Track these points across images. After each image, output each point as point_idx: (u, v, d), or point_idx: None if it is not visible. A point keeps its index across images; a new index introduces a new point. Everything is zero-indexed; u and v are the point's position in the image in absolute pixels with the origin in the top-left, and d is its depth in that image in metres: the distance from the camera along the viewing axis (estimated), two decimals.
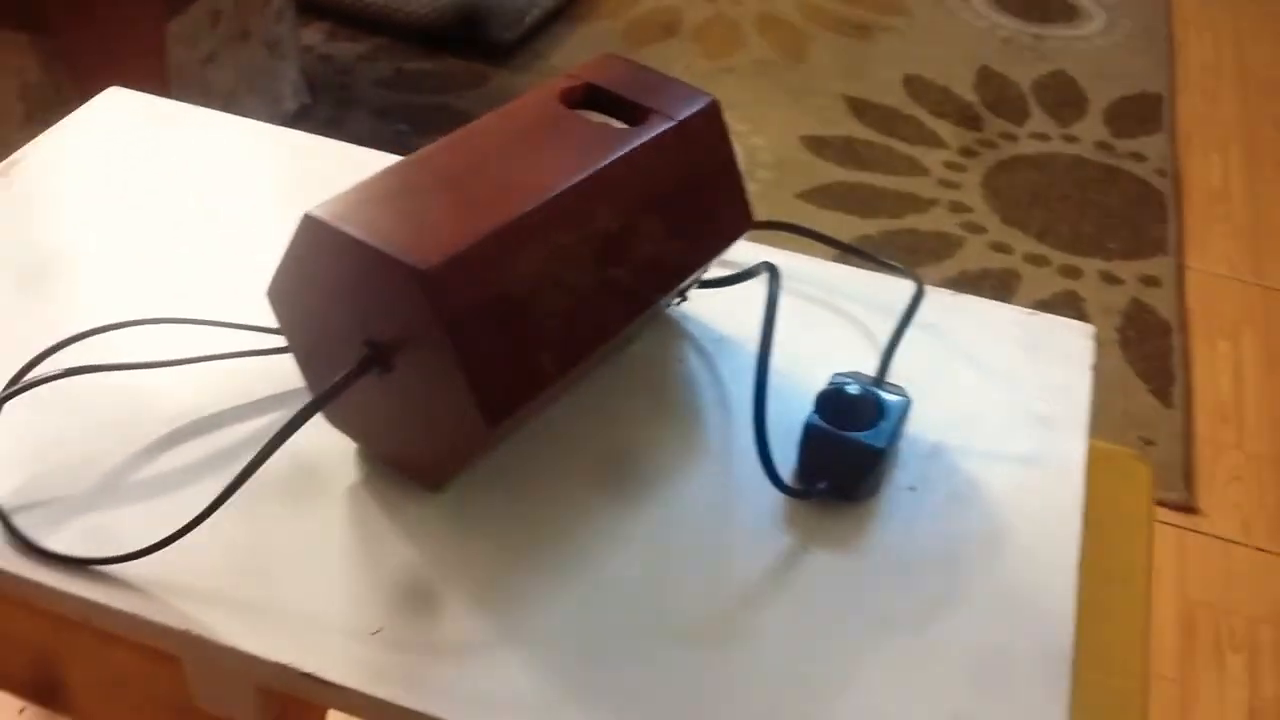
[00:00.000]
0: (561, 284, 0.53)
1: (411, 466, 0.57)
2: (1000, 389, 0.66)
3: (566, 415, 0.62)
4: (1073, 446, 0.63)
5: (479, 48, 1.99)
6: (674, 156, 0.59)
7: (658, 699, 0.50)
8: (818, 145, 1.91)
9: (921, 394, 0.65)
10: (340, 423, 0.58)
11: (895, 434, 0.60)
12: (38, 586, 0.53)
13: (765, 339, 0.54)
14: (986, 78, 2.11)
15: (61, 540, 0.54)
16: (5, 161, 0.77)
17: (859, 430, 0.59)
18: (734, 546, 0.57)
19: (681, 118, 0.60)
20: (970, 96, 2.06)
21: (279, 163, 0.79)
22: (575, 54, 2.05)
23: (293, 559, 0.54)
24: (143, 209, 0.74)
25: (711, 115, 0.61)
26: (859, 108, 2.01)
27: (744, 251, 0.75)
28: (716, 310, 0.70)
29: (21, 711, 0.97)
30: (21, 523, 0.55)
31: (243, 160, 0.79)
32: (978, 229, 1.78)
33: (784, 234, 0.77)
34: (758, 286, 0.72)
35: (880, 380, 0.63)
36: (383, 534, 0.56)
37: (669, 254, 0.59)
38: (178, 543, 0.54)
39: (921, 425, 0.64)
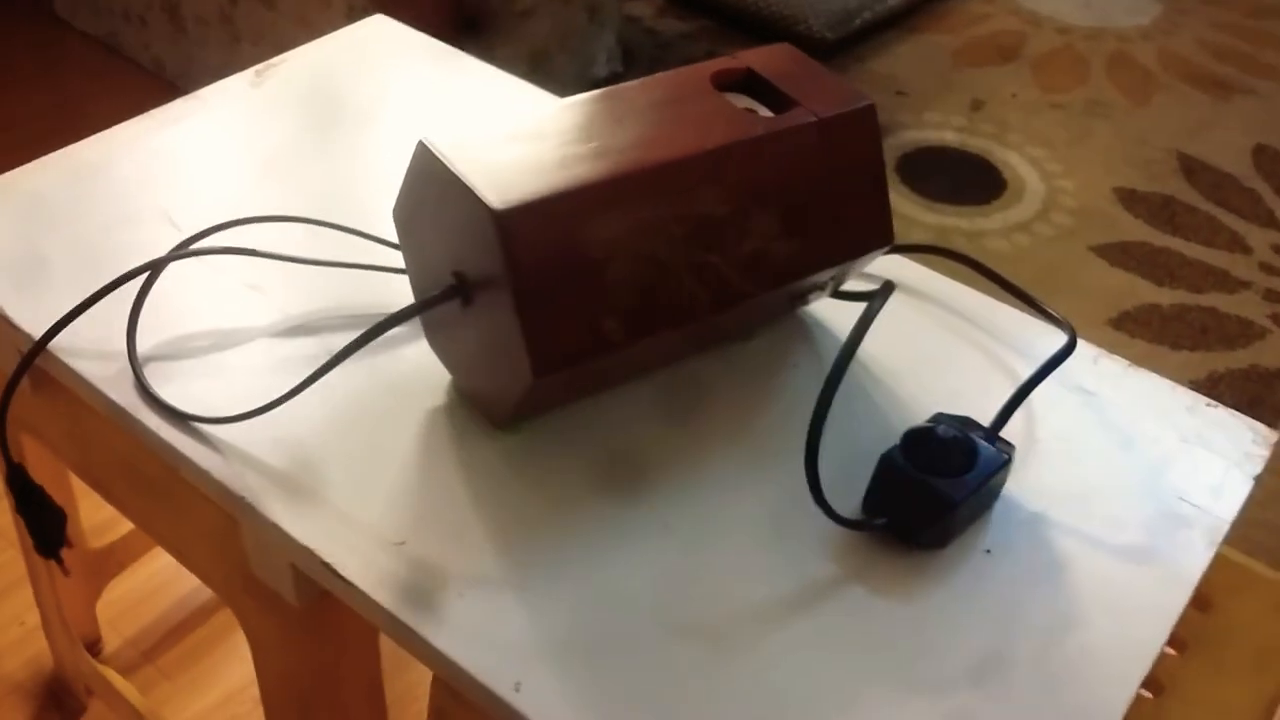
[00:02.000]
0: (644, 255, 0.53)
1: (481, 402, 0.59)
2: (1136, 472, 0.60)
3: (655, 391, 0.62)
4: (1197, 555, 0.56)
5: (800, 43, 1.99)
6: (808, 154, 0.57)
7: (644, 686, 0.49)
8: (1130, 199, 1.77)
9: (1041, 457, 0.60)
10: (438, 349, 0.61)
11: (981, 489, 0.55)
12: (145, 429, 0.59)
13: (842, 357, 0.51)
14: None
15: (173, 394, 0.60)
16: (264, 64, 0.86)
17: (941, 475, 0.55)
18: (772, 561, 0.55)
19: (826, 116, 0.58)
20: None
21: (507, 112, 0.83)
22: (898, 64, 2.00)
23: (353, 459, 0.57)
24: (360, 128, 0.80)
25: (862, 120, 0.59)
26: (1192, 168, 1.84)
27: (906, 271, 0.72)
28: (849, 324, 0.67)
29: None
30: (149, 371, 0.61)
31: (471, 102, 0.83)
32: None
33: (960, 264, 0.73)
34: (906, 306, 0.69)
35: (991, 431, 0.59)
36: (441, 459, 0.58)
37: (781, 252, 0.57)
38: (262, 419, 0.58)
39: (1028, 490, 0.59)
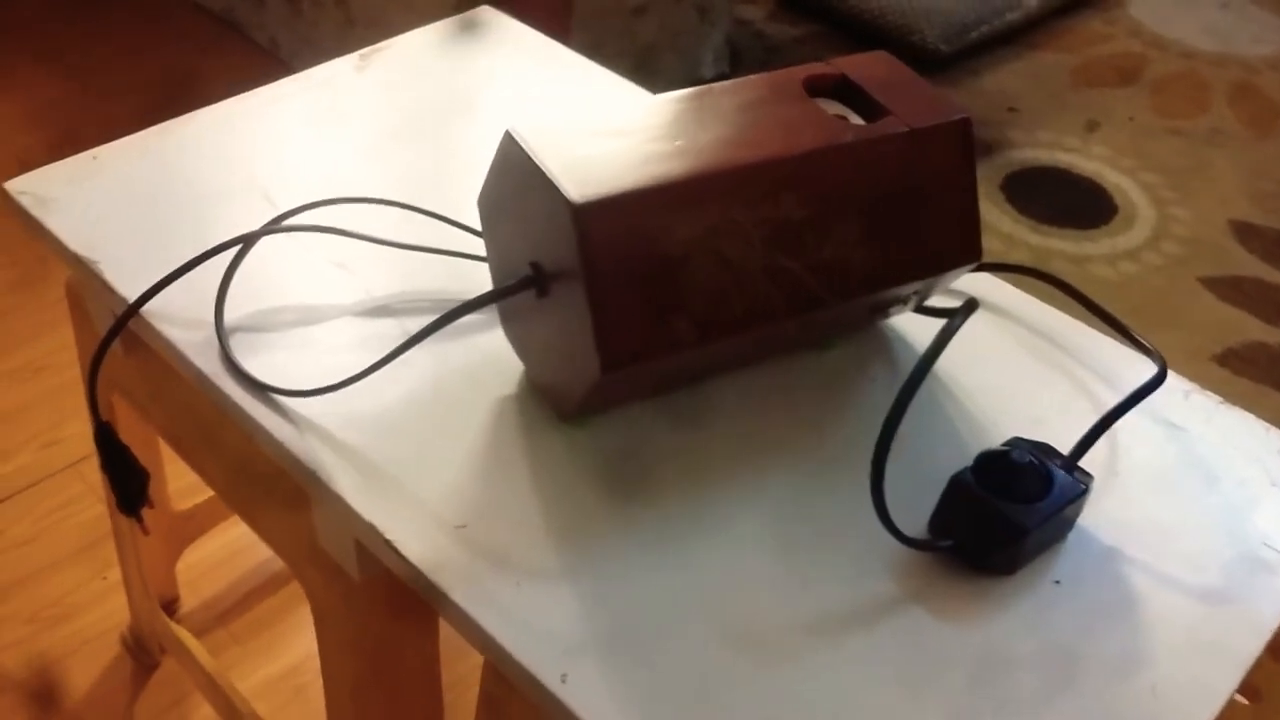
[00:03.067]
0: (720, 257, 0.53)
1: (550, 394, 0.59)
2: (1219, 513, 0.58)
3: (727, 395, 0.61)
4: (1276, 602, 0.54)
5: (912, 53, 1.96)
6: (897, 164, 0.56)
7: (687, 688, 0.49)
8: (1245, 233, 1.71)
9: (1122, 490, 0.58)
10: (512, 339, 0.61)
11: (1054, 518, 0.54)
12: (225, 397, 0.60)
13: (917, 373, 0.50)
14: None
15: (255, 365, 0.61)
16: (370, 48, 0.87)
17: (1013, 500, 0.54)
18: (829, 574, 0.54)
19: (918, 126, 0.56)
20: None
21: (600, 107, 0.84)
22: (1013, 80, 1.96)
23: (422, 441, 0.58)
24: (457, 116, 0.81)
25: (956, 133, 0.57)
26: None
27: (998, 291, 0.70)
28: (931, 329, 0.66)
29: None
30: (234, 341, 0.63)
31: (569, 97, 0.84)
32: None
33: (1053, 287, 0.71)
34: (994, 327, 0.67)
35: (1070, 460, 0.57)
36: (508, 448, 0.58)
37: (861, 262, 0.56)
38: (337, 395, 0.59)
39: (1105, 522, 0.57)
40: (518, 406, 0.60)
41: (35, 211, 0.71)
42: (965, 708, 0.49)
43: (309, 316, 0.65)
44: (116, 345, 0.73)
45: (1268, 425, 0.63)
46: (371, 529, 0.54)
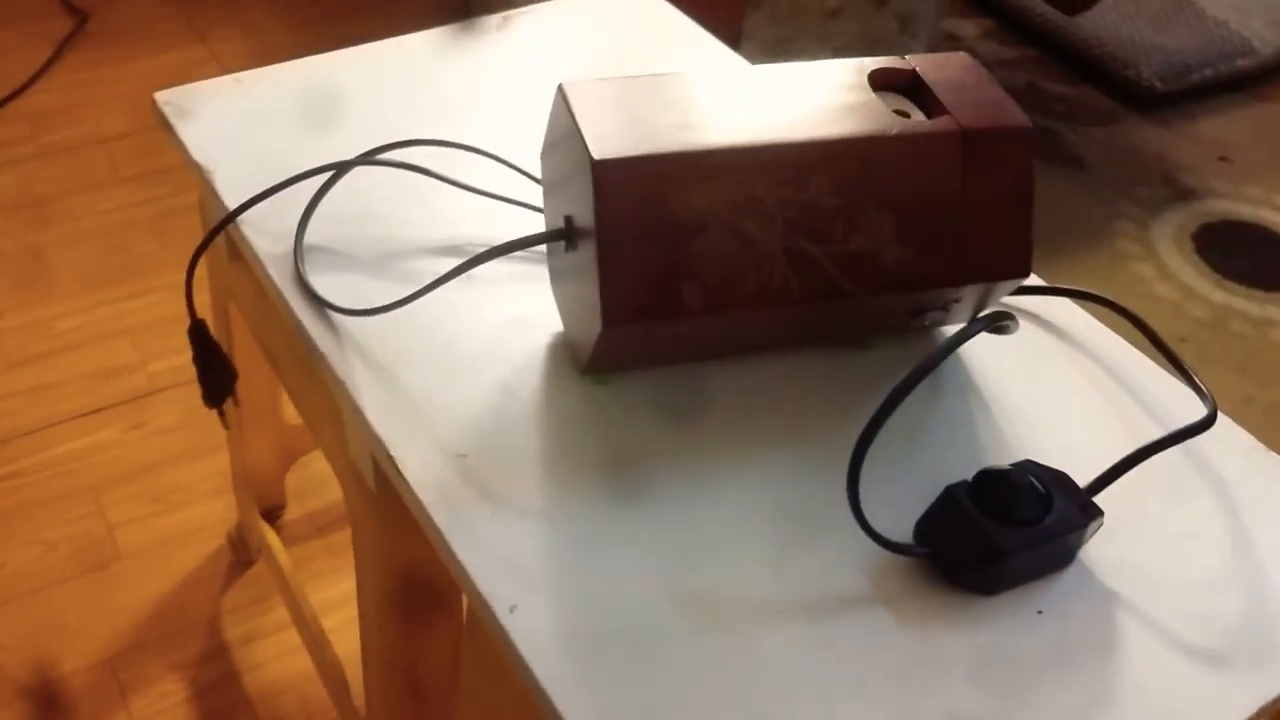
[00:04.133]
0: (738, 231, 0.53)
1: (572, 347, 0.60)
2: (1243, 575, 0.54)
3: (751, 376, 0.62)
4: (1277, 679, 0.51)
5: (1125, 88, 1.87)
6: (945, 165, 0.55)
7: (629, 640, 0.50)
8: None
9: (1142, 533, 0.56)
10: (555, 292, 0.63)
11: (1046, 546, 0.52)
12: (288, 306, 0.65)
13: (912, 375, 0.50)
14: None
15: (321, 281, 0.66)
16: (515, 10, 0.91)
17: (1003, 522, 0.52)
18: (803, 563, 0.53)
19: (971, 128, 0.55)
20: None
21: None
22: (1231, 129, 1.84)
23: (448, 372, 0.61)
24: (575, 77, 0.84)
25: (1014, 140, 0.56)
26: None
27: (1067, 314, 0.68)
28: (988, 355, 0.64)
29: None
30: (310, 258, 0.67)
31: (682, 67, 0.85)
32: None
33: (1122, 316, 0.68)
34: (1051, 349, 0.65)
35: (1085, 492, 0.55)
36: (526, 391, 0.60)
37: (893, 258, 0.55)
38: (384, 320, 0.63)
39: (1113, 562, 0.54)
40: (547, 355, 0.62)
41: (173, 120, 0.77)
42: (891, 715, 0.48)
43: (383, 246, 0.68)
44: (224, 254, 0.80)
45: None
46: (381, 444, 0.58)
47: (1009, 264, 0.57)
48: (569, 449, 0.58)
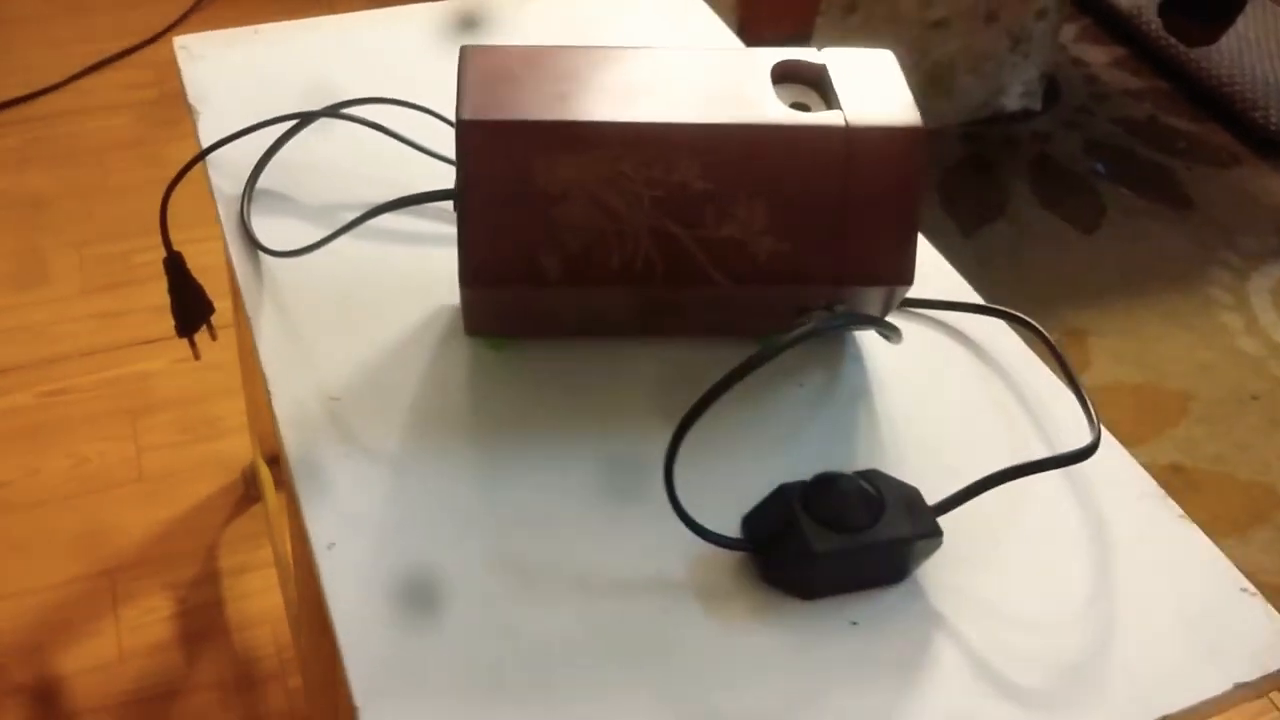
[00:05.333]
0: (602, 205, 0.53)
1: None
2: (1092, 621, 0.52)
3: (641, 361, 0.61)
4: None
5: (1250, 129, 1.77)
6: (827, 160, 0.54)
7: (436, 590, 0.51)
8: None
9: (992, 560, 0.54)
10: None
11: (868, 556, 0.51)
12: (229, 243, 0.68)
13: (733, 373, 0.49)
14: None
15: (263, 223, 0.68)
16: None
17: (828, 526, 0.51)
18: (626, 539, 0.53)
19: (857, 124, 0.54)
20: None
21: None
22: None
23: (349, 320, 0.63)
24: None
25: (903, 141, 0.54)
26: None
27: (998, 338, 0.65)
28: (895, 366, 0.63)
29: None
30: (260, 202, 0.70)
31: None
32: None
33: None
34: (964, 368, 0.63)
35: (932, 510, 0.53)
36: (416, 347, 0.61)
37: (764, 250, 0.55)
38: (303, 265, 0.65)
39: (950, 587, 0.52)
40: (451, 317, 0.64)
41: (183, 63, 0.82)
42: (666, 702, 0.47)
43: (334, 197, 0.71)
44: None
45: (1219, 555, 0.55)
46: (264, 380, 0.60)
47: (889, 269, 0.56)
48: (440, 406, 0.59)
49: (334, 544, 0.52)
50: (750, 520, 0.53)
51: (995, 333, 0.65)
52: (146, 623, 1.02)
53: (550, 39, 0.86)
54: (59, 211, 1.48)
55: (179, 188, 0.70)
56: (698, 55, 0.58)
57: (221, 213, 0.69)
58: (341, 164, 0.73)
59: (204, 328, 0.82)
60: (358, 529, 0.53)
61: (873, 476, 0.53)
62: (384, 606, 0.50)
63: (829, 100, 0.57)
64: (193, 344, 0.82)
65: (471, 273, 0.54)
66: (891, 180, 0.54)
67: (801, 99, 0.57)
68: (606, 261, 0.54)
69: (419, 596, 0.51)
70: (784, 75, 0.58)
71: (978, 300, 0.67)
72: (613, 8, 0.90)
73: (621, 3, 0.91)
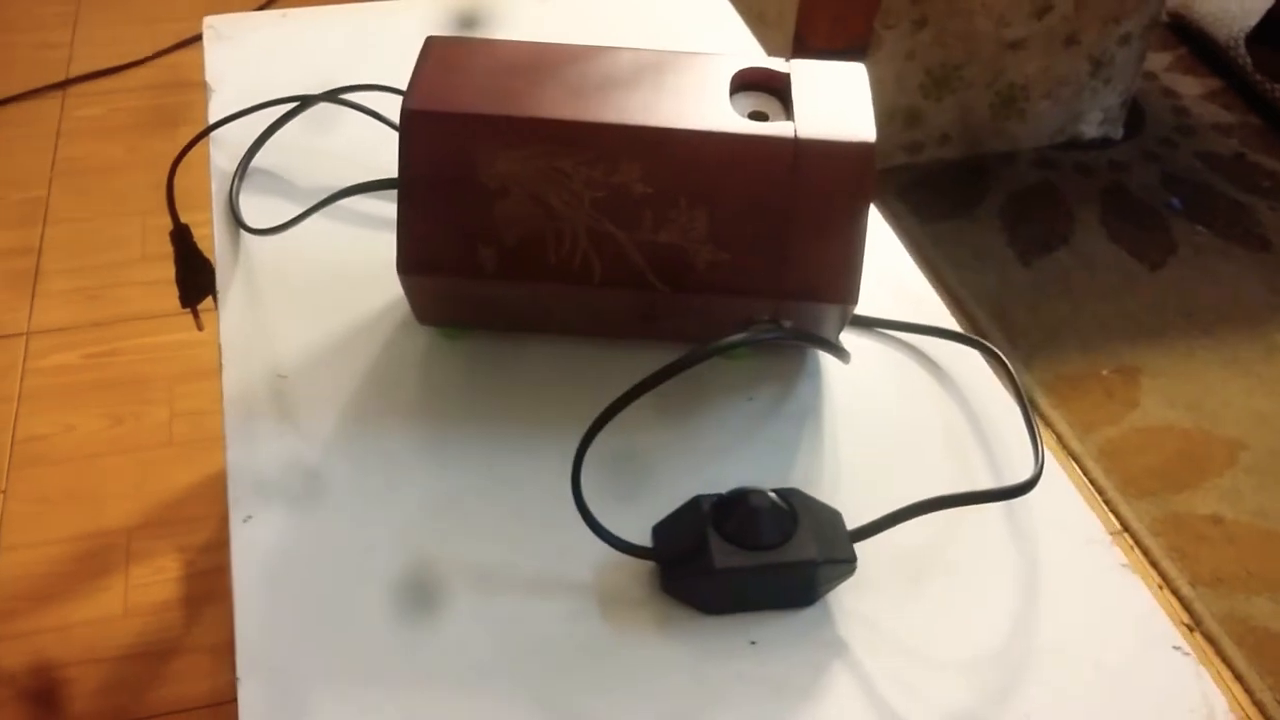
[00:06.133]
0: (541, 202, 0.53)
1: None
2: (1002, 664, 0.50)
3: (591, 362, 0.61)
4: None
5: None
6: (773, 171, 0.53)
7: (327, 569, 0.51)
8: None
9: (910, 591, 0.52)
10: None
11: (774, 577, 0.49)
12: (217, 220, 0.70)
13: (637, 387, 0.48)
14: None
15: (251, 201, 0.70)
16: None
17: (734, 542, 0.50)
18: (539, 541, 0.53)
19: (804, 137, 0.53)
20: None
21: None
22: None
23: (315, 302, 0.64)
24: None
25: (852, 156, 0.53)
26: None
27: (959, 360, 0.64)
28: (854, 387, 0.61)
29: None
30: (252, 180, 0.72)
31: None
32: None
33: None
34: (923, 389, 0.61)
35: (848, 536, 0.51)
36: (371, 332, 0.62)
37: (704, 258, 0.54)
38: (280, 243, 0.67)
39: (860, 615, 0.51)
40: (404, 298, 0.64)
41: (208, 42, 0.84)
42: (540, 702, 0.47)
43: (326, 180, 0.72)
44: None
45: (1156, 608, 0.53)
46: (219, 350, 0.61)
47: (832, 286, 0.54)
48: (383, 392, 0.59)
49: (250, 517, 0.53)
50: (660, 529, 0.52)
51: (971, 363, 0.64)
52: (154, 582, 1.05)
53: (557, 37, 0.86)
54: (129, 181, 1.53)
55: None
56: (663, 58, 0.58)
57: (214, 189, 0.71)
58: (338, 148, 0.75)
59: (209, 299, 0.85)
60: (277, 507, 0.54)
61: (791, 495, 0.52)
62: (283, 584, 0.51)
63: (789, 111, 0.56)
64: (196, 315, 0.84)
65: (407, 261, 0.54)
66: (838, 196, 0.53)
67: (762, 108, 0.56)
68: (544, 258, 0.54)
69: (324, 579, 0.51)
70: (748, 83, 0.57)
71: (955, 328, 0.65)
72: (636, 8, 0.90)
73: (648, 4, 0.90)
